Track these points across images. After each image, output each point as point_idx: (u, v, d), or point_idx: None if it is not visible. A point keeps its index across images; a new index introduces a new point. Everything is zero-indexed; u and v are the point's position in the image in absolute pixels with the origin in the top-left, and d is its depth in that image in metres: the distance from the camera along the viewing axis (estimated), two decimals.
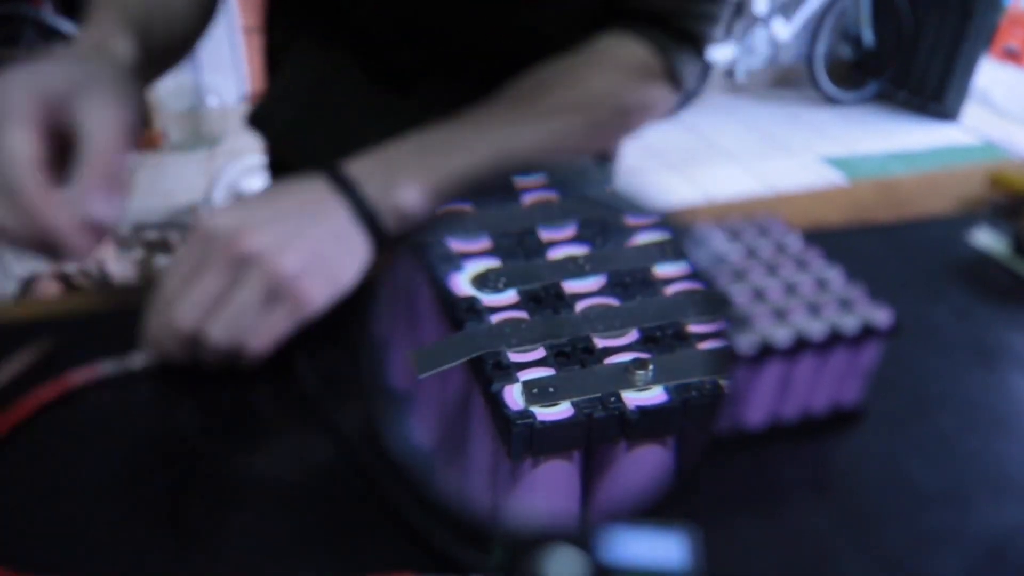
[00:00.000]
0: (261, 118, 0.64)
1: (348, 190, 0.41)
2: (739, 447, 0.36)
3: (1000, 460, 0.36)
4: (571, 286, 0.32)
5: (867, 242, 0.55)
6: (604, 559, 0.18)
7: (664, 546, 0.21)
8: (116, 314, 0.44)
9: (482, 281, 0.32)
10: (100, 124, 0.36)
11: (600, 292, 0.32)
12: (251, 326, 0.37)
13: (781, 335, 0.34)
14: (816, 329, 0.34)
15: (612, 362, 0.29)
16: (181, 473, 0.35)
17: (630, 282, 0.32)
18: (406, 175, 0.43)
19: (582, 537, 0.18)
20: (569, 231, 0.35)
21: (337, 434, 0.36)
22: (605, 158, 0.63)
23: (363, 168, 0.43)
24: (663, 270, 0.33)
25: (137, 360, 0.40)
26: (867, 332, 0.35)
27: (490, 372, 0.28)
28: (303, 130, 0.60)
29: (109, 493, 0.34)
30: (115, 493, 0.34)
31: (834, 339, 0.35)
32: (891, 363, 0.39)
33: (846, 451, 0.37)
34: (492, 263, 0.33)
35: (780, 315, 0.35)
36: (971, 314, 0.47)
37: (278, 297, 0.37)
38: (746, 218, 0.42)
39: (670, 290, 0.32)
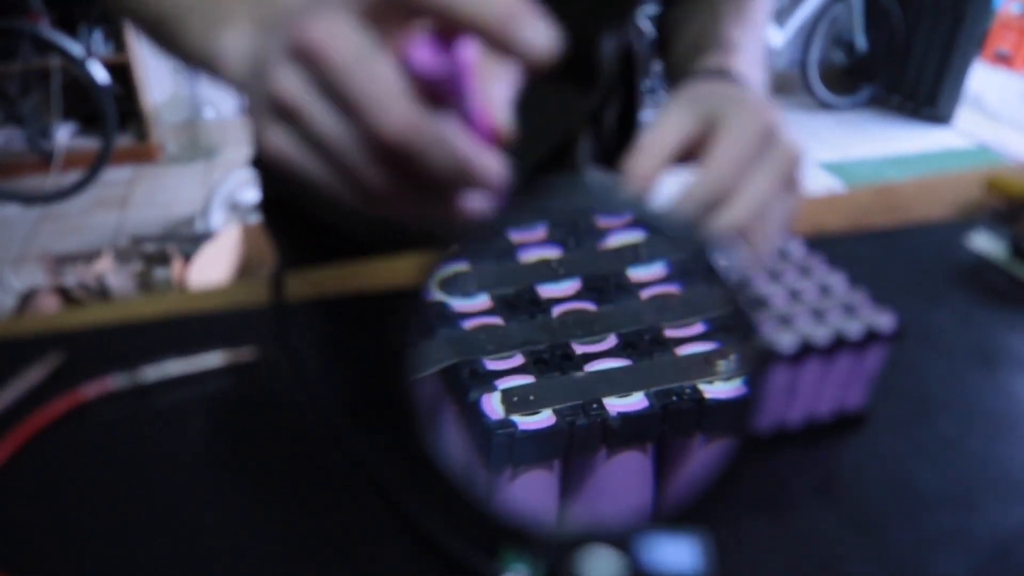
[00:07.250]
0: (266, 162, 0.62)
1: None
2: (747, 452, 0.37)
3: (1003, 462, 0.37)
4: (546, 290, 0.32)
5: (867, 247, 0.55)
6: (642, 561, 0.18)
7: (679, 550, 0.22)
8: (122, 327, 0.45)
9: (452, 285, 0.32)
10: None
11: (576, 297, 0.32)
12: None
13: (787, 341, 0.34)
14: (821, 335, 0.35)
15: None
16: (194, 482, 0.35)
17: (604, 287, 0.32)
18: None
19: (621, 539, 0.18)
20: (541, 234, 0.34)
21: (350, 446, 0.36)
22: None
23: None
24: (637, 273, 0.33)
25: (210, 360, 0.41)
26: (871, 337, 0.36)
27: (466, 381, 0.28)
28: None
29: (122, 505, 0.34)
30: (128, 504, 0.34)
31: (839, 344, 0.35)
32: (893, 367, 0.40)
33: (851, 455, 0.37)
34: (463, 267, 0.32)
35: (785, 321, 0.35)
36: (971, 318, 0.47)
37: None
38: None
39: (645, 294, 0.32)
